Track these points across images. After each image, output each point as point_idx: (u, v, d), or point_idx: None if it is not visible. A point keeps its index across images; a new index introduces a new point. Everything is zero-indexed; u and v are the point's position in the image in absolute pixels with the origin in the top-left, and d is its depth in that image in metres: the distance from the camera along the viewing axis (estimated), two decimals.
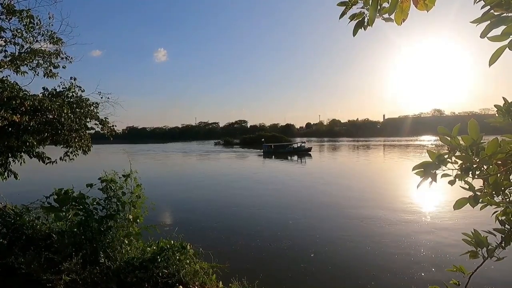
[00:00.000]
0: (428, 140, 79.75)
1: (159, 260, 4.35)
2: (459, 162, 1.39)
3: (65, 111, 6.72)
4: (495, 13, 1.19)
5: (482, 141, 1.35)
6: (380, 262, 8.91)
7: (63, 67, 7.72)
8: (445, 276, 1.81)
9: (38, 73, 7.44)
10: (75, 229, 4.96)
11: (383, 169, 32.24)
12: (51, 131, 6.90)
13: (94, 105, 7.78)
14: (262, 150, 58.88)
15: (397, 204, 15.68)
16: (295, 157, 47.19)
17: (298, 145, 58.60)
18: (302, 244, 10.43)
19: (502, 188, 1.44)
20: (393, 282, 7.81)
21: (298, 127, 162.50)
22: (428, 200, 15.83)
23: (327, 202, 16.65)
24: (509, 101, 1.52)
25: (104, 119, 7.96)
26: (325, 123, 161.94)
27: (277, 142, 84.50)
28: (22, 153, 7.31)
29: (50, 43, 7.38)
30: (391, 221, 12.89)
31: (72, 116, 7.02)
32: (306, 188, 21.24)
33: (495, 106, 1.55)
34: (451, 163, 1.40)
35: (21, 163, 7.43)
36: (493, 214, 1.61)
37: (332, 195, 18.46)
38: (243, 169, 34.45)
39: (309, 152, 54.57)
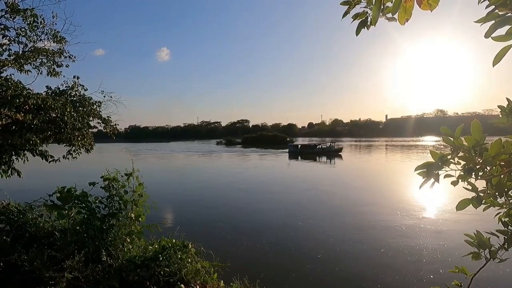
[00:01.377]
0: (436, 140, 78.86)
1: (161, 258, 4.36)
2: (462, 162, 1.38)
3: (68, 110, 6.75)
4: (500, 13, 1.18)
5: (485, 142, 1.34)
6: (391, 264, 8.85)
7: (66, 66, 7.76)
8: (455, 278, 1.80)
9: (41, 71, 7.48)
10: (78, 227, 4.98)
11: (403, 170, 31.32)
12: (54, 129, 6.93)
13: (97, 104, 7.80)
14: (262, 150, 58.11)
15: (414, 205, 15.56)
16: (324, 158, 44.86)
17: (328, 145, 55.39)
18: (310, 246, 10.36)
19: (506, 190, 1.43)
20: (401, 285, 7.74)
21: (300, 127, 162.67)
22: (444, 200, 15.63)
23: (343, 204, 16.32)
24: None
25: (106, 118, 7.99)
26: (327, 123, 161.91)
27: (279, 141, 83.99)
28: (25, 151, 7.35)
29: (53, 42, 7.41)
30: (406, 222, 12.78)
31: (75, 114, 7.04)
32: (325, 190, 20.72)
33: (498, 106, 1.54)
34: (454, 163, 1.39)
35: (24, 161, 7.48)
36: (496, 216, 1.60)
37: (352, 197, 18.14)
38: (253, 170, 34.38)
39: (340, 153, 51.25)
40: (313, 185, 22.77)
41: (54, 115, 6.77)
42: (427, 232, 11.54)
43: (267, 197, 18.37)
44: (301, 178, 26.86)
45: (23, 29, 6.84)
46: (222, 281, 4.65)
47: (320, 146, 56.52)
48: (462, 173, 1.38)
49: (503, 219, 1.57)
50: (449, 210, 13.96)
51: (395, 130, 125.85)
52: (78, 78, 7.62)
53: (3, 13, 6.60)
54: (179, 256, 4.46)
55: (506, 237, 1.55)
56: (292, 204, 16.57)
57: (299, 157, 47.86)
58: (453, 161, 1.39)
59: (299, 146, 58.51)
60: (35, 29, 6.96)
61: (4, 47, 6.85)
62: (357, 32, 1.56)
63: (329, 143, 56.41)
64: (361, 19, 1.52)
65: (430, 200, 16.14)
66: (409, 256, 9.41)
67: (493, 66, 1.26)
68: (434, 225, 12.49)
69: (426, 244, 10.31)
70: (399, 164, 36.62)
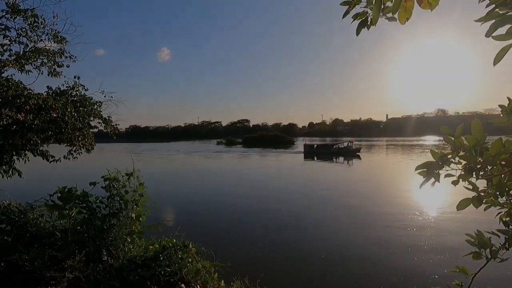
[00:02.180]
0: (438, 140, 77.92)
1: (161, 258, 4.36)
2: (463, 162, 1.38)
3: (69, 110, 6.76)
4: (500, 12, 1.18)
5: (486, 141, 1.34)
6: (396, 265, 8.77)
7: (67, 66, 7.77)
8: (458, 277, 1.79)
9: (42, 72, 7.49)
10: (78, 227, 4.99)
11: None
12: (55, 129, 6.93)
13: (97, 104, 7.81)
14: (267, 150, 57.26)
15: (425, 205, 15.43)
16: (341, 159, 42.76)
17: (345, 145, 52.09)
18: (314, 246, 10.27)
19: (506, 189, 1.43)
20: (406, 285, 7.66)
21: (301, 127, 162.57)
22: (453, 200, 15.37)
23: (354, 206, 15.97)
24: None
25: (107, 118, 7.99)
26: (327, 123, 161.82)
27: (279, 141, 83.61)
28: (26, 152, 7.36)
29: (54, 42, 7.42)
30: (415, 223, 12.65)
31: (75, 114, 7.05)
32: (335, 191, 20.27)
33: (499, 106, 1.53)
34: (455, 163, 1.39)
35: (25, 161, 7.49)
36: (497, 215, 1.60)
37: (361, 198, 17.80)
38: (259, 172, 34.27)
39: (358, 153, 48.09)
40: (325, 186, 22.27)
41: (55, 115, 6.78)
42: (435, 233, 11.41)
43: (272, 198, 18.01)
44: (313, 179, 26.18)
45: (23, 30, 6.85)
46: (222, 281, 4.65)
47: (336, 146, 53.46)
48: (462, 172, 1.38)
49: (504, 219, 1.57)
50: (458, 211, 13.90)
51: (395, 130, 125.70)
52: (78, 78, 7.63)
53: (4, 14, 6.62)
54: (179, 256, 4.46)
55: (507, 237, 1.55)
56: (300, 205, 16.25)
57: (315, 157, 45.42)
58: (453, 160, 1.39)
59: (315, 146, 56.10)
60: (36, 29, 6.97)
61: (5, 47, 6.86)
62: (358, 32, 1.56)
63: (347, 143, 53.07)
64: (361, 19, 1.52)
65: (439, 200, 15.93)
66: (416, 256, 9.35)
67: (494, 66, 1.25)
68: (442, 225, 12.37)
69: (434, 245, 10.20)
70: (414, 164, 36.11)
